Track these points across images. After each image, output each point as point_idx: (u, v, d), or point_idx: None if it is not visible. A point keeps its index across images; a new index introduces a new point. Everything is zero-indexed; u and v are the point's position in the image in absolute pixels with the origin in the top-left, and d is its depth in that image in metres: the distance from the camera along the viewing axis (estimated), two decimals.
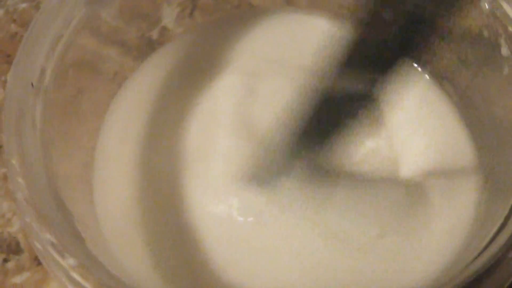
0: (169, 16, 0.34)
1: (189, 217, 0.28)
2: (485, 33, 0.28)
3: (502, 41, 0.27)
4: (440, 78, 0.32)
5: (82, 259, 0.21)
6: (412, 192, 0.29)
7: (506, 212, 0.23)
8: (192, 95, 0.31)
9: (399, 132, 0.31)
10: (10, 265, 0.31)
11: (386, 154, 0.30)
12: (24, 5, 0.39)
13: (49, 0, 0.26)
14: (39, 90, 0.25)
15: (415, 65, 0.33)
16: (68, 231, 0.22)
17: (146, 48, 0.34)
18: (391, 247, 0.27)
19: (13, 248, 0.32)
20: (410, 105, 0.31)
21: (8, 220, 0.32)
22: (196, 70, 0.32)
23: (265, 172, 0.28)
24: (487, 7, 0.28)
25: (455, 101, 0.32)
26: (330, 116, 0.27)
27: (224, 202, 0.27)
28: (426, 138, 0.31)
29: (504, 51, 0.27)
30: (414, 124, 0.31)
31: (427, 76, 0.33)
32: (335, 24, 0.34)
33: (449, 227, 0.28)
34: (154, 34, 0.34)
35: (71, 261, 0.20)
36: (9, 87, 0.24)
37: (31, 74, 0.25)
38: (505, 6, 0.27)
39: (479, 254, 0.22)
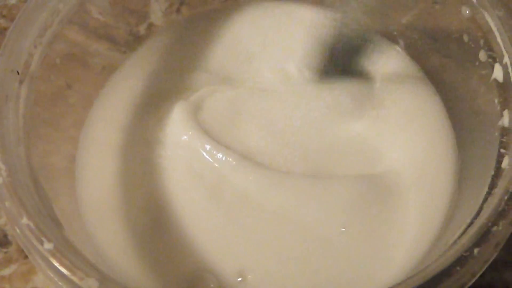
0: (156, 12, 0.35)
1: (168, 203, 0.29)
2: (465, 38, 0.29)
3: (480, 46, 0.28)
4: (429, 77, 0.33)
5: (59, 244, 0.21)
6: (383, 190, 0.29)
7: (474, 213, 0.24)
8: (175, 88, 0.33)
9: (388, 123, 0.32)
10: None
11: (372, 142, 0.31)
12: (13, 1, 0.40)
13: None
14: (25, 78, 0.26)
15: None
16: (46, 217, 0.22)
17: (134, 43, 0.34)
18: (354, 241, 0.28)
19: (1, 241, 0.32)
20: (402, 100, 0.32)
21: None
22: (180, 65, 0.33)
23: None
24: (467, 13, 0.29)
25: (443, 101, 0.33)
26: None
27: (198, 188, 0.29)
28: (412, 133, 0.31)
29: (482, 55, 0.28)
30: (403, 119, 0.32)
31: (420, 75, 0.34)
32: (319, 12, 0.35)
33: (419, 229, 0.28)
34: (142, 30, 0.35)
35: (48, 245, 0.21)
36: None
37: (16, 61, 0.25)
38: (485, 13, 0.28)
39: (443, 254, 0.22)
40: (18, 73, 0.25)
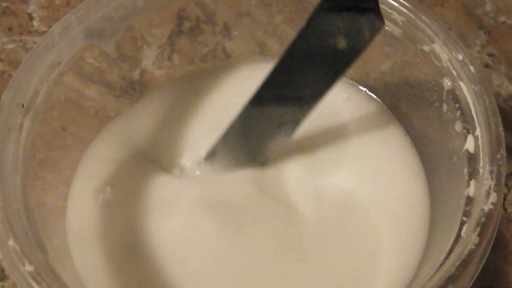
0: (149, 58, 0.43)
1: (153, 243, 0.36)
2: (445, 108, 0.36)
3: (457, 117, 0.35)
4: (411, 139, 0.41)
5: (40, 268, 0.28)
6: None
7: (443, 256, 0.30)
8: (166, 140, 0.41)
9: (360, 167, 0.39)
10: None
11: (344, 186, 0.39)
12: (11, 45, 0.48)
13: (49, 33, 0.35)
14: (28, 112, 0.33)
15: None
16: (33, 242, 0.29)
17: (127, 88, 0.42)
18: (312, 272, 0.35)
19: None
20: (373, 144, 0.40)
21: None
22: (174, 121, 0.42)
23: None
24: (449, 85, 0.36)
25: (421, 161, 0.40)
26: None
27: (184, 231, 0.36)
28: (389, 187, 0.39)
29: (458, 126, 0.35)
30: (374, 162, 0.40)
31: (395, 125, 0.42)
32: None
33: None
34: (135, 75, 0.43)
35: (29, 267, 0.28)
36: None
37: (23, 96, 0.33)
38: (463, 86, 0.35)
39: None
40: (23, 106, 0.33)
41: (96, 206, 0.37)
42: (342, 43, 0.34)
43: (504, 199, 0.43)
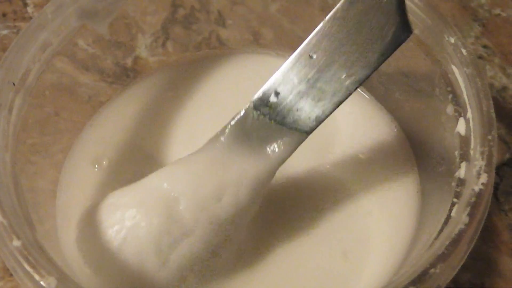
0: (142, 46, 0.43)
1: None
2: (437, 92, 0.36)
3: (449, 101, 0.35)
4: (401, 127, 0.41)
5: (27, 243, 0.28)
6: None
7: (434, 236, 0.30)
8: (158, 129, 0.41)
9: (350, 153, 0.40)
10: None
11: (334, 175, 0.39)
12: (5, 31, 0.49)
13: (42, 12, 0.35)
14: (19, 90, 0.33)
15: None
16: (22, 219, 0.29)
17: (121, 74, 0.42)
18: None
19: None
20: (362, 131, 0.41)
21: None
22: (166, 107, 0.42)
23: None
24: (441, 68, 0.36)
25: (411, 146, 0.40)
26: None
27: None
28: (379, 175, 0.39)
29: (450, 109, 0.35)
30: (364, 148, 0.40)
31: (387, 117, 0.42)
32: None
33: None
34: (129, 62, 0.43)
35: (16, 243, 0.27)
36: None
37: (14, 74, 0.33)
38: (455, 70, 0.35)
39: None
40: (14, 85, 0.33)
41: (86, 189, 0.37)
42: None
43: (497, 189, 0.43)
